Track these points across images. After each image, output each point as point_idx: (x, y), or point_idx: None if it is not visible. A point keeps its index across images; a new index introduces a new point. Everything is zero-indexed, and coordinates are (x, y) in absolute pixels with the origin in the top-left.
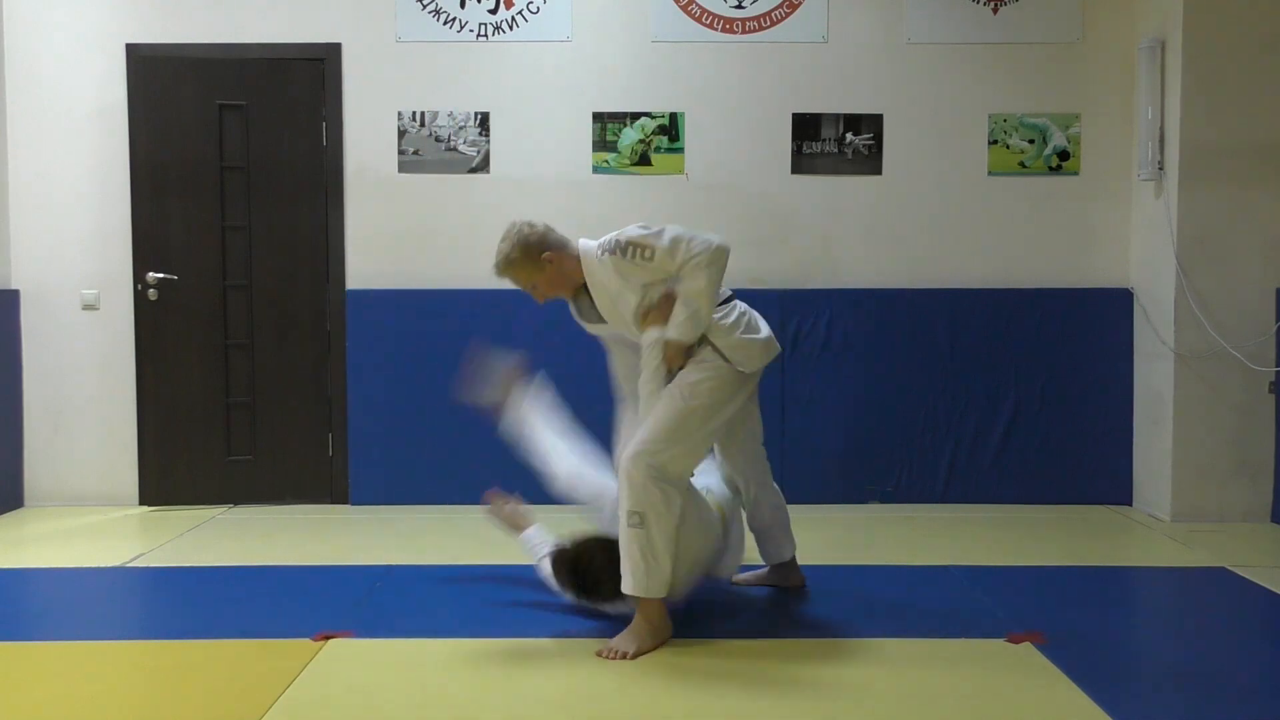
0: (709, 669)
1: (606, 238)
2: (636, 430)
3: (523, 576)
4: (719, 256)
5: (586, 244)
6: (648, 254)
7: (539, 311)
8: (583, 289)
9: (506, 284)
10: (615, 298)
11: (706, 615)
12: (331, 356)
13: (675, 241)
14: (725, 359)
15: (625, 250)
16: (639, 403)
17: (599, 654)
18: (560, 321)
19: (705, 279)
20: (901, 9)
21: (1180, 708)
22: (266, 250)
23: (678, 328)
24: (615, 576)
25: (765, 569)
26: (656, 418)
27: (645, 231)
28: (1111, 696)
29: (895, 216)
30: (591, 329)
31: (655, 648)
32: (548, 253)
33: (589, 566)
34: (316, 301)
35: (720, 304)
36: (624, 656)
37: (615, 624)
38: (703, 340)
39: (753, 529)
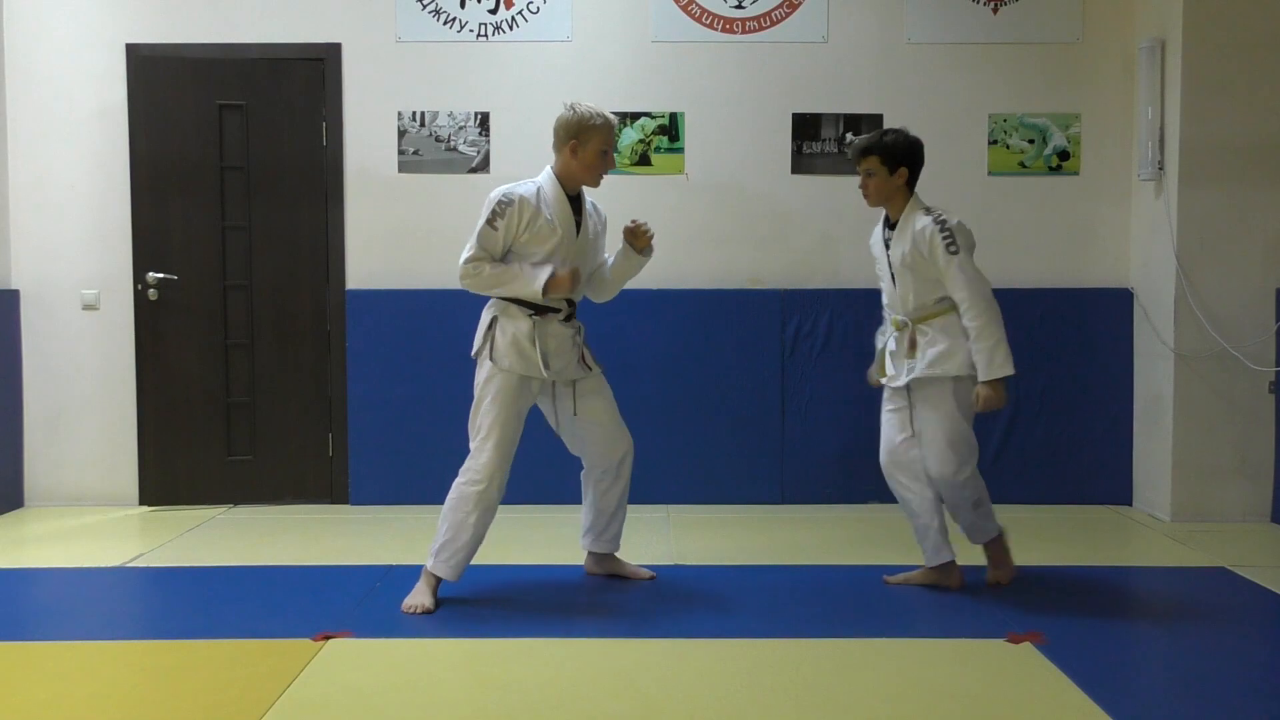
0: (709, 669)
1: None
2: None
3: (523, 577)
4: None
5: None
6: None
7: None
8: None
9: None
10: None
11: (706, 615)
12: (331, 356)
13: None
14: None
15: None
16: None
17: None
18: None
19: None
20: (901, 9)
21: (1180, 708)
22: (266, 250)
23: None
24: None
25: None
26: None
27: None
28: (1111, 696)
29: None
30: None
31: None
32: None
33: None
34: (316, 301)
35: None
36: None
37: (616, 624)
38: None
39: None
